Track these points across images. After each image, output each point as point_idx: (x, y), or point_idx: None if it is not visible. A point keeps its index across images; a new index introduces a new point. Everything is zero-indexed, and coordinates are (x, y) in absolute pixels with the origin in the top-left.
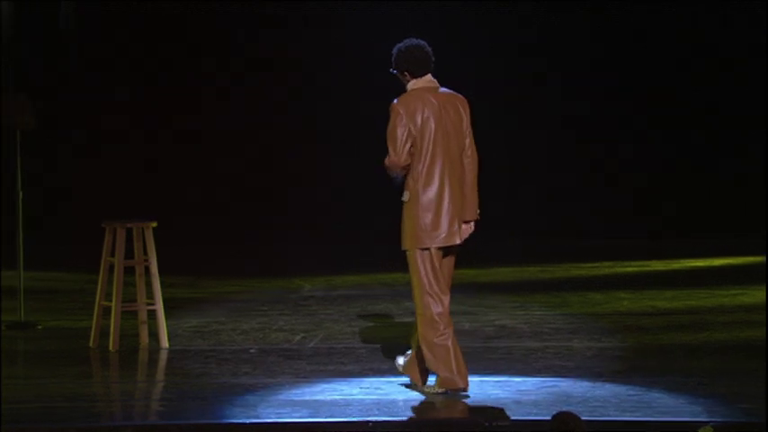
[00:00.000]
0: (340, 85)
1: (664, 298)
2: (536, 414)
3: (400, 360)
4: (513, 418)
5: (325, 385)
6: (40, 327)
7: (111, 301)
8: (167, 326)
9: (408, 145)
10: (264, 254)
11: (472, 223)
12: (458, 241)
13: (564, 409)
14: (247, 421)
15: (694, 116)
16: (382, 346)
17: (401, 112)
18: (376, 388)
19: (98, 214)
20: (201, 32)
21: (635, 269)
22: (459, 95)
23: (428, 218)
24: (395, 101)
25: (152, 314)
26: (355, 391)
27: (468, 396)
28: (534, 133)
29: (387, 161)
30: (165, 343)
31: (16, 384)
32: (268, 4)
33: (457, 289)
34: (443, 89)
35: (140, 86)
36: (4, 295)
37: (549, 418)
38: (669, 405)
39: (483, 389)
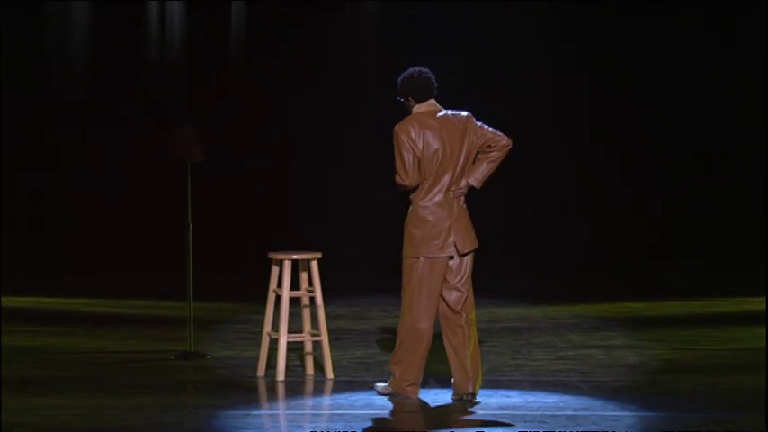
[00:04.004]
0: None
1: None
2: None
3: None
4: None
5: (492, 415)
6: (208, 356)
7: (277, 331)
8: (332, 357)
9: (415, 166)
10: None
11: (465, 182)
12: (451, 252)
13: None
14: None
15: None
16: (546, 379)
17: (402, 136)
18: (540, 422)
19: (265, 245)
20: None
21: None
22: (461, 113)
23: (424, 229)
24: (396, 126)
25: (317, 345)
26: (521, 424)
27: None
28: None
29: (398, 181)
30: (330, 374)
31: (185, 413)
32: None
33: (623, 322)
34: (445, 111)
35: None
36: (174, 325)
37: None
38: None
39: (647, 424)
